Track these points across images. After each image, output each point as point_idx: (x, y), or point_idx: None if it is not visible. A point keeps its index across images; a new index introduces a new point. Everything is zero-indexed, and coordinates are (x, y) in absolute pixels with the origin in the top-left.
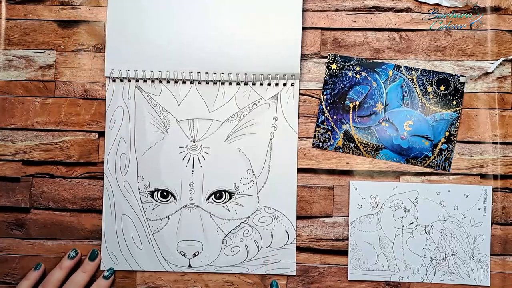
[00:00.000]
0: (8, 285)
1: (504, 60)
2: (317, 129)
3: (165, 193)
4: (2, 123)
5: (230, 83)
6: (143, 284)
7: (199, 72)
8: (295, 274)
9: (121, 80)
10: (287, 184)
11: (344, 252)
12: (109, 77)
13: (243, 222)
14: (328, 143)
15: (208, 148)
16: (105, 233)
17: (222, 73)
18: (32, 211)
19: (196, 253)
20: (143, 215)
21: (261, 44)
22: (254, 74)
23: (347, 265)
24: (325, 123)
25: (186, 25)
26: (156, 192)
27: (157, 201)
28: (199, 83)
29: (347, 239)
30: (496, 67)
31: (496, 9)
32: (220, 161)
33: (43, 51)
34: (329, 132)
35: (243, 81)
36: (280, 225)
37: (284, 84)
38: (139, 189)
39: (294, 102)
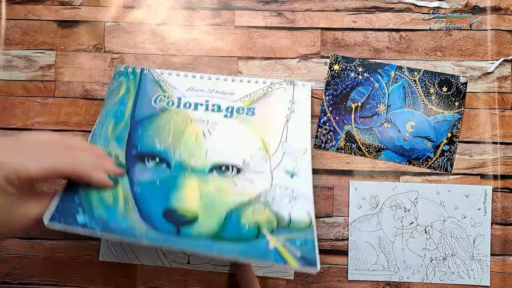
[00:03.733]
0: (8, 285)
1: (504, 60)
2: (319, 129)
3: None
4: (2, 123)
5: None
6: (143, 284)
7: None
8: (293, 278)
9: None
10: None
11: (344, 252)
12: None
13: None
14: (330, 144)
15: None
16: None
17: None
18: None
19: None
20: None
21: None
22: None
23: (347, 265)
24: (327, 124)
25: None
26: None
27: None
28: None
29: (347, 239)
30: (496, 67)
31: (496, 9)
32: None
33: (43, 51)
34: (331, 133)
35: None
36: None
37: None
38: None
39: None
